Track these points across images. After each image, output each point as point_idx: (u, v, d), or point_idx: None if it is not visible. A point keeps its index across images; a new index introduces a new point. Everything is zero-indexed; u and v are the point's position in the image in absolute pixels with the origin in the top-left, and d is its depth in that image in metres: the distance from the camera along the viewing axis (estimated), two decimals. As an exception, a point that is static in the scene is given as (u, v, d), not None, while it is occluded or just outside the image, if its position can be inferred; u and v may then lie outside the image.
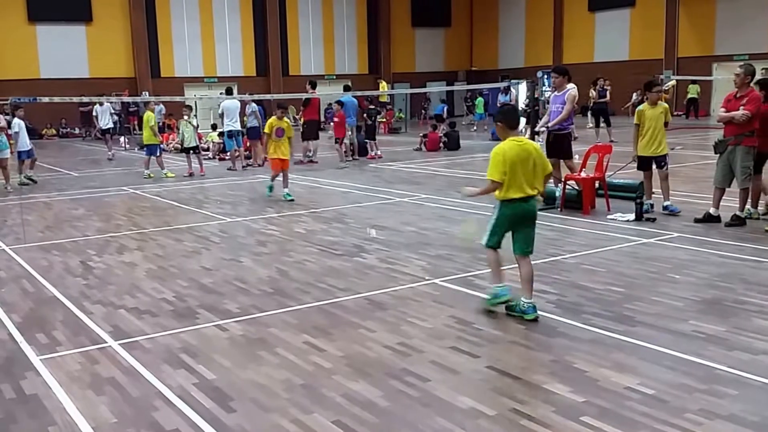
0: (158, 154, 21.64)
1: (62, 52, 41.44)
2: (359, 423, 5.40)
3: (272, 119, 16.32)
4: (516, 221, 7.76)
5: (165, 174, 21.42)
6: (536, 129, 14.73)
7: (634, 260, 10.06)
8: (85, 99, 33.67)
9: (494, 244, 7.87)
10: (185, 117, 22.07)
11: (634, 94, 38.38)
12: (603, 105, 28.98)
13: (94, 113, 29.91)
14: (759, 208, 12.72)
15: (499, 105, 29.05)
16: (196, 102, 42.04)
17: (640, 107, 13.25)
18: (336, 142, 23.85)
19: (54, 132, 41.70)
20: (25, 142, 20.53)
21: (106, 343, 7.32)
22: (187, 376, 6.36)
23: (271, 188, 16.76)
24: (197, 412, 5.65)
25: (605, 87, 29.44)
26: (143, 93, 40.69)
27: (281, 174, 16.43)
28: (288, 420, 5.48)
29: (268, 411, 5.65)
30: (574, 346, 6.85)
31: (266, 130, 16.58)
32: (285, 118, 16.47)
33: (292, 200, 15.95)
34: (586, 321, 7.54)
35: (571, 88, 14.22)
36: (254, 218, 14.26)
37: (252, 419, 5.53)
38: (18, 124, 20.52)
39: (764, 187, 12.76)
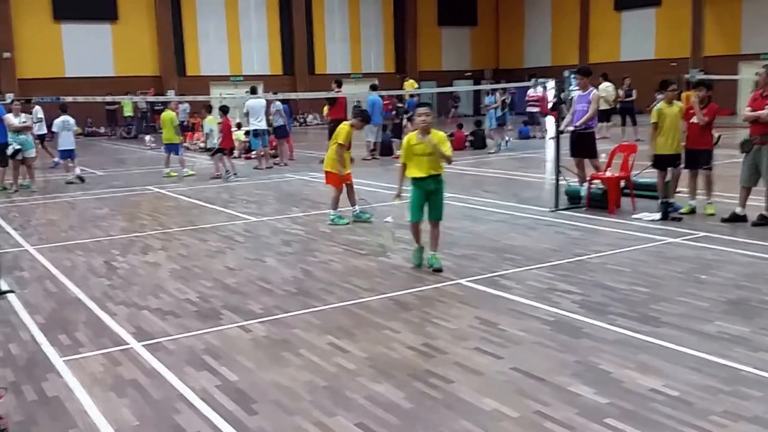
0: (179, 153, 21.77)
1: (88, 50, 41.48)
2: (382, 425, 5.38)
3: (349, 130, 13.36)
4: (424, 195, 9.66)
5: (187, 173, 21.56)
6: (561, 129, 14.64)
7: (660, 260, 9.99)
8: (109, 98, 33.80)
9: (418, 219, 9.80)
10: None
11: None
12: (629, 104, 28.91)
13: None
14: None
15: (484, 106, 28.89)
16: (221, 101, 42.30)
17: (658, 106, 13.13)
18: (221, 153, 20.86)
19: (79, 131, 41.67)
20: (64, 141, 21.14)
21: (129, 344, 7.34)
22: (209, 378, 6.35)
23: (359, 215, 13.55)
24: (219, 414, 5.64)
25: (631, 86, 29.42)
26: (168, 92, 40.80)
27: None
28: (311, 422, 5.47)
29: (291, 413, 5.64)
30: (598, 346, 6.80)
31: (341, 141, 13.11)
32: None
33: (369, 219, 13.24)
34: (611, 321, 7.49)
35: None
36: (279, 218, 14.26)
37: (275, 421, 5.52)
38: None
39: None
